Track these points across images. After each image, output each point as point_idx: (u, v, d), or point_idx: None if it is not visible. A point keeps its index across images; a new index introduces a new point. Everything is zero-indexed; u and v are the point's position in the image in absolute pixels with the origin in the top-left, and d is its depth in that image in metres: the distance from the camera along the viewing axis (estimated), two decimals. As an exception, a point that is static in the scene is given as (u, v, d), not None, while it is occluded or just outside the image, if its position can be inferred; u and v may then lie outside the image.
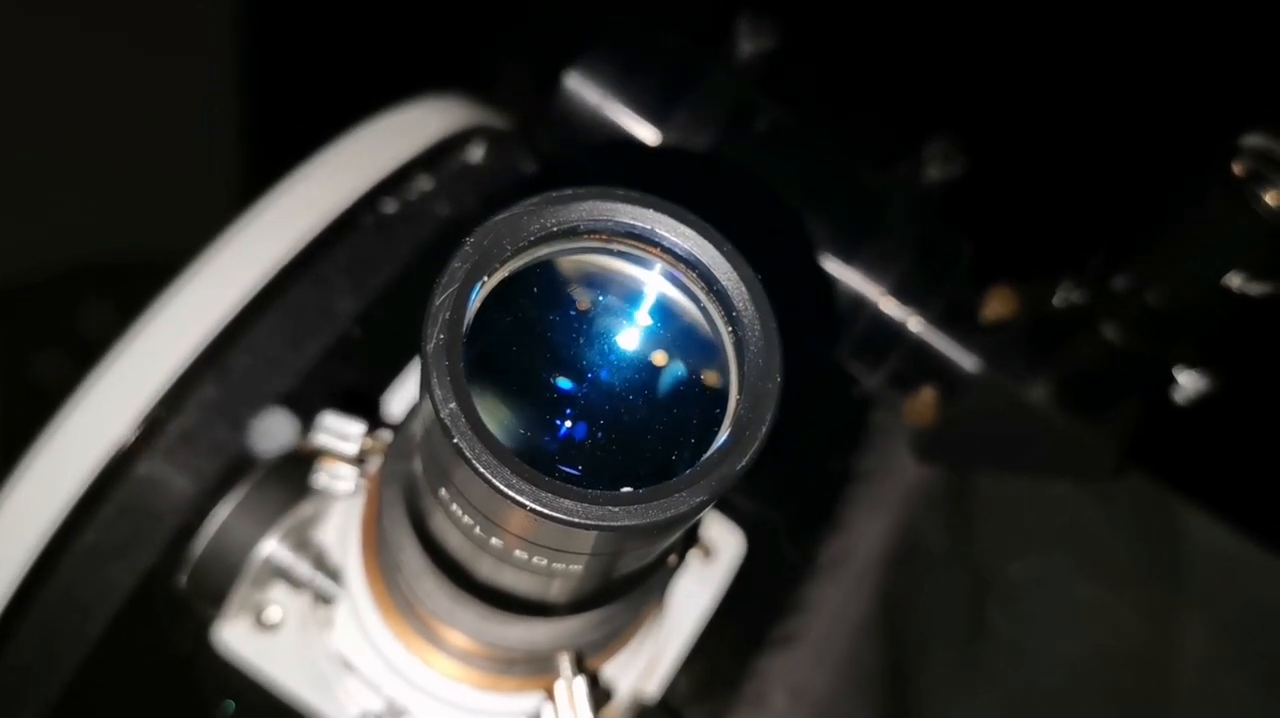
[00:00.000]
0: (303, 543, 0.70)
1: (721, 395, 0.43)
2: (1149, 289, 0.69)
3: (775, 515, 0.84)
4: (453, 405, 0.38)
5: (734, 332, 0.41)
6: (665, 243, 0.42)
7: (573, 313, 0.43)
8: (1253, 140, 0.65)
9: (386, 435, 0.60)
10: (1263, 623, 0.89)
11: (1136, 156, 1.21)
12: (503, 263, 0.41)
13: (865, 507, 0.85)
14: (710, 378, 0.43)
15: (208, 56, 1.82)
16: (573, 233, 0.41)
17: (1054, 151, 1.33)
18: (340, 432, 0.59)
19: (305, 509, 0.69)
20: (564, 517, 0.38)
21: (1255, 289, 0.66)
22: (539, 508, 0.37)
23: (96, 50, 1.71)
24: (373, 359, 0.80)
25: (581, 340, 0.43)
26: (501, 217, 0.40)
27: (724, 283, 0.41)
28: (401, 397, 0.75)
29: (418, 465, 0.48)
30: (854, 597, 0.81)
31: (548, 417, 0.42)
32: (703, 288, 0.42)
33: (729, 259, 0.41)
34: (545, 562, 0.43)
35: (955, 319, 0.79)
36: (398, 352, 0.81)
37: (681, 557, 0.58)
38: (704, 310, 0.42)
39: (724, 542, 0.78)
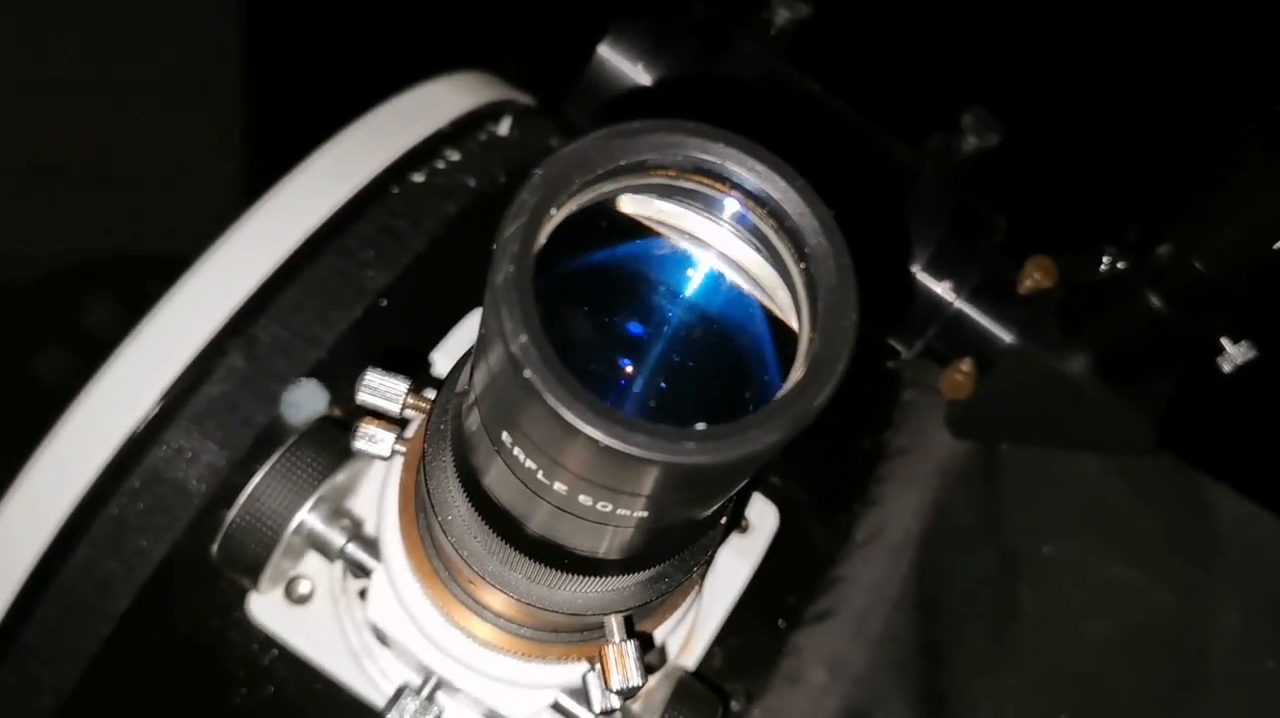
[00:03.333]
0: (337, 512, 0.69)
1: (791, 335, 0.42)
2: (1195, 255, 0.69)
3: (807, 492, 0.83)
4: (524, 338, 0.37)
5: (806, 268, 0.40)
6: (735, 178, 0.40)
7: (638, 250, 0.42)
8: (1301, 103, 0.65)
9: (430, 395, 0.59)
10: (1296, 603, 0.88)
11: (1172, 123, 1.20)
12: (570, 196, 0.40)
13: (899, 483, 0.84)
14: (780, 317, 0.42)
15: (211, 48, 1.81)
16: (640, 167, 0.40)
17: (1089, 120, 1.32)
18: (385, 390, 0.57)
19: (339, 478, 0.68)
20: (639, 452, 0.36)
21: (1306, 254, 0.65)
22: (613, 442, 0.36)
23: (98, 43, 1.70)
24: (401, 329, 0.79)
25: (647, 279, 0.42)
26: (570, 148, 0.39)
27: (796, 219, 0.40)
28: (446, 356, 0.74)
29: (474, 416, 0.47)
30: (890, 573, 0.80)
31: (613, 355, 0.41)
32: (773, 224, 0.41)
33: (802, 195, 0.40)
34: (609, 507, 0.42)
35: (992, 291, 0.78)
36: (426, 321, 0.80)
37: (730, 521, 0.57)
38: (774, 248, 0.41)
39: (759, 516, 0.77)
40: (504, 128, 0.90)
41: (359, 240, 0.80)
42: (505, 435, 0.42)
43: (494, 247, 0.39)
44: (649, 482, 0.39)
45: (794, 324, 0.43)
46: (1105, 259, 0.74)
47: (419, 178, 0.84)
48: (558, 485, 0.42)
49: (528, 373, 0.37)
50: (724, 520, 0.56)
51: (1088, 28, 1.40)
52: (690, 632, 0.74)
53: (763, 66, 0.79)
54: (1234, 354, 0.72)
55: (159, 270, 0.80)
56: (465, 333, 0.78)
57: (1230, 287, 0.69)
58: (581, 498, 0.42)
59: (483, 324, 0.42)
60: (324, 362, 0.77)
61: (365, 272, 0.79)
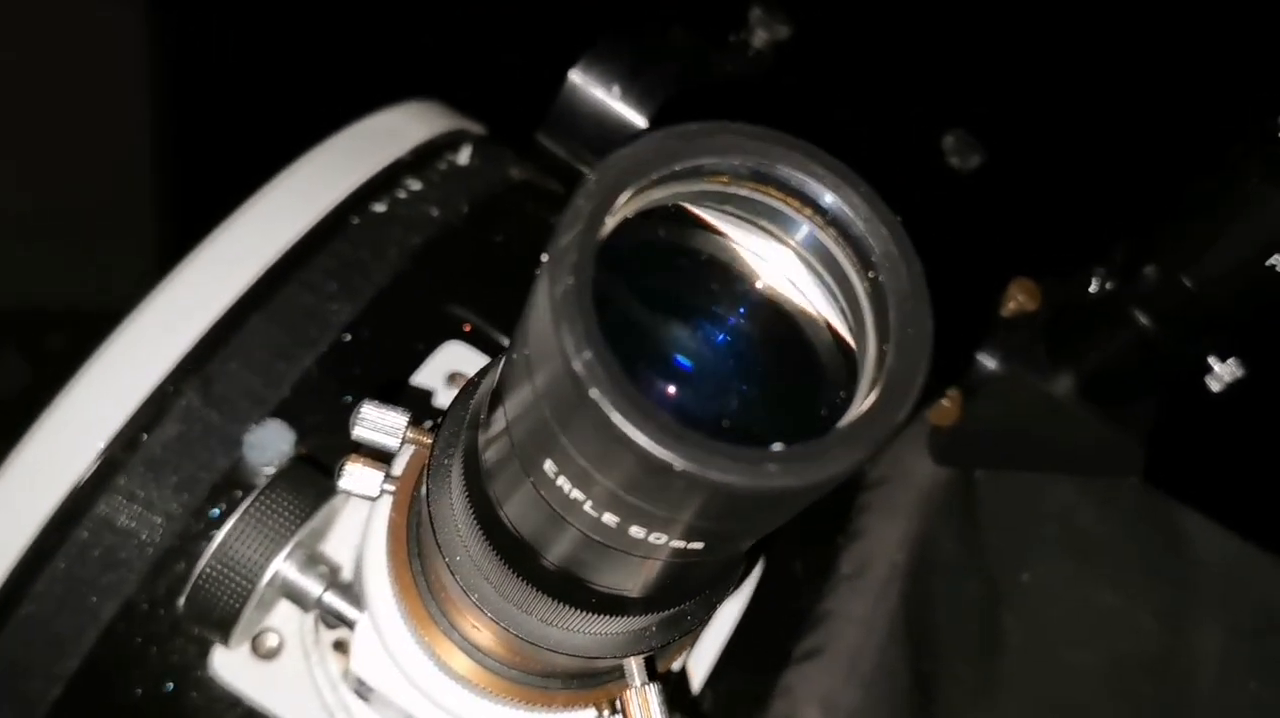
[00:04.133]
0: (312, 559, 0.64)
1: (851, 352, 0.39)
2: (1185, 274, 0.68)
3: (789, 527, 0.80)
4: (588, 355, 0.34)
5: (874, 278, 0.38)
6: (794, 183, 0.38)
7: (693, 260, 0.39)
8: (1288, 121, 0.65)
9: (428, 426, 0.55)
10: (1276, 626, 0.88)
11: (1157, 142, 1.21)
12: (626, 203, 0.37)
13: (881, 514, 0.82)
14: (841, 329, 0.40)
15: (122, 95, 1.74)
16: (696, 172, 0.38)
17: (1071, 141, 1.32)
18: (384, 424, 0.54)
19: (314, 523, 0.64)
20: (719, 476, 0.34)
21: (1298, 270, 0.65)
22: (691, 467, 0.33)
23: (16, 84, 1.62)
24: (367, 363, 0.76)
25: (703, 291, 0.39)
26: (624, 152, 0.37)
27: (862, 227, 0.38)
28: (432, 383, 0.71)
29: (498, 446, 0.44)
30: (878, 607, 0.78)
31: (675, 372, 0.38)
32: (834, 234, 0.39)
33: (867, 201, 0.38)
34: (663, 538, 0.39)
35: (976, 314, 0.77)
36: (393, 354, 0.76)
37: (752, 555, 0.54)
38: (835, 260, 0.39)
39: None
40: (464, 157, 0.87)
41: (321, 273, 0.76)
42: (548, 464, 0.39)
43: (544, 257, 0.36)
44: (718, 508, 0.37)
45: (847, 337, 0.40)
46: (1092, 280, 0.73)
47: (380, 208, 0.80)
48: (607, 517, 0.39)
49: (594, 393, 0.34)
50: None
51: (1071, 46, 1.41)
52: (680, 676, 0.71)
53: (740, 90, 0.77)
54: (1222, 373, 0.71)
55: (60, 324, 0.75)
56: (439, 364, 0.75)
57: (1220, 305, 0.69)
58: (633, 530, 0.39)
59: (518, 346, 0.39)
60: (287, 400, 0.73)
61: (329, 305, 0.75)
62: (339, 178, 0.80)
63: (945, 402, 0.78)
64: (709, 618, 0.53)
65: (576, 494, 0.39)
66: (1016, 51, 1.36)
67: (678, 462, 0.34)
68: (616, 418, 0.34)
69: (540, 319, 0.35)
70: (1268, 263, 0.65)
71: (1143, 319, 0.70)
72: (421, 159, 0.84)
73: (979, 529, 0.86)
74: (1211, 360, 0.71)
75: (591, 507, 0.39)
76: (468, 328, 0.78)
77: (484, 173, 0.87)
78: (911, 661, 0.78)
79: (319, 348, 0.74)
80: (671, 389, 0.38)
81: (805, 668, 0.75)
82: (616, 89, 0.75)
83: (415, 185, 0.83)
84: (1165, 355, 0.72)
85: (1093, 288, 0.73)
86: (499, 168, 0.88)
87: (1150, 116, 1.33)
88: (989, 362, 0.76)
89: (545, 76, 0.82)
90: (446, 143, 0.87)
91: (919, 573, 0.81)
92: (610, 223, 0.37)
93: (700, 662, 0.71)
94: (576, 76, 0.77)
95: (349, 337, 0.76)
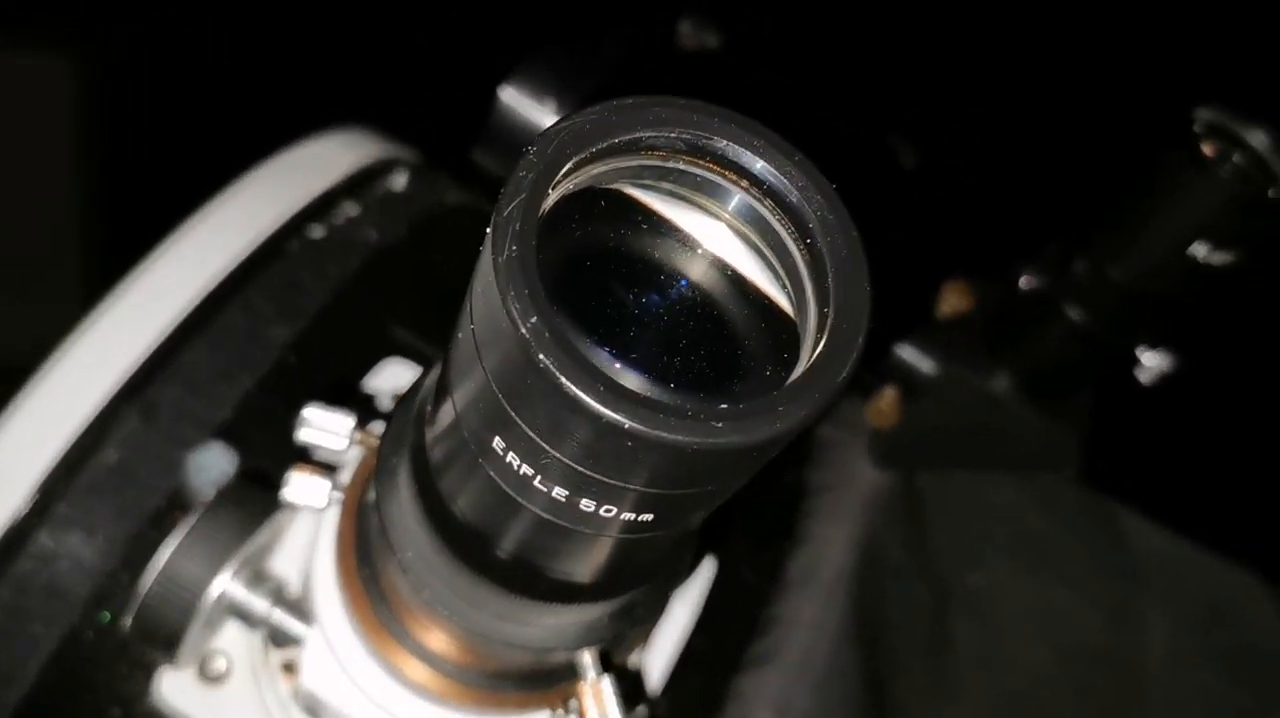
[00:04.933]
0: (258, 576, 0.64)
1: (791, 320, 0.40)
2: (1114, 267, 0.70)
3: (736, 533, 0.81)
4: (534, 320, 0.34)
5: (810, 244, 0.39)
6: (730, 154, 0.39)
7: (632, 233, 0.40)
8: (1206, 114, 0.67)
9: (377, 429, 0.55)
10: (1219, 617, 0.89)
11: (1082, 141, 1.24)
12: (566, 175, 0.37)
13: (825, 520, 0.83)
14: (779, 298, 0.40)
15: (50, 144, 1.72)
16: (635, 145, 0.38)
17: (997, 142, 1.34)
18: (330, 426, 0.54)
19: (259, 539, 0.63)
20: (667, 435, 0.34)
21: (1219, 259, 0.67)
22: (638, 426, 0.34)
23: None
24: (309, 384, 0.75)
25: (644, 262, 0.40)
26: (564, 123, 0.37)
27: (798, 194, 0.39)
28: (380, 387, 0.70)
29: (445, 436, 0.44)
30: (828, 611, 0.79)
31: (621, 339, 0.38)
32: (771, 205, 0.39)
33: (802, 169, 0.39)
34: (613, 509, 0.39)
35: (912, 317, 0.78)
36: (334, 375, 0.76)
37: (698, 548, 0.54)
38: (773, 228, 0.40)
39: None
40: (400, 182, 0.87)
41: (261, 295, 0.76)
42: (498, 442, 0.39)
43: (489, 229, 0.36)
44: (668, 471, 0.37)
45: (785, 305, 0.41)
46: (1023, 278, 0.75)
47: (319, 232, 0.80)
48: (557, 492, 0.39)
49: (542, 357, 0.34)
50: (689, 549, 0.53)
51: (996, 48, 1.43)
52: (635, 681, 0.71)
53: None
54: (1151, 365, 0.73)
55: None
56: (379, 382, 0.75)
57: (1147, 295, 0.71)
58: (584, 503, 0.39)
59: (463, 325, 0.39)
60: (229, 421, 0.72)
61: (269, 326, 0.75)
62: (275, 203, 0.80)
63: (884, 405, 0.79)
64: (660, 610, 0.53)
65: (527, 470, 0.39)
66: (943, 53, 1.38)
67: (627, 422, 0.34)
68: (565, 382, 0.34)
69: (486, 290, 0.36)
70: (1188, 251, 0.67)
71: (1074, 313, 0.72)
72: (358, 185, 0.85)
73: (925, 531, 0.87)
74: (1140, 353, 0.73)
75: (542, 481, 0.39)
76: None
77: (421, 197, 0.87)
78: (863, 662, 0.78)
79: (261, 369, 0.74)
80: (617, 356, 0.38)
81: (757, 673, 0.75)
82: (551, 103, 0.76)
83: (353, 210, 0.83)
84: (1098, 348, 0.73)
85: (1024, 285, 0.75)
86: (435, 192, 0.88)
87: (1072, 114, 1.36)
88: (926, 363, 0.78)
89: (473, 97, 0.83)
90: (382, 168, 0.87)
91: (866, 576, 0.81)
92: (553, 195, 0.38)
93: (654, 667, 0.71)
94: (507, 94, 0.77)
95: (291, 357, 0.75)
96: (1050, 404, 0.76)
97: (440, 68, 1.43)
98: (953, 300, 0.78)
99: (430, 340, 0.80)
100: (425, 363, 0.77)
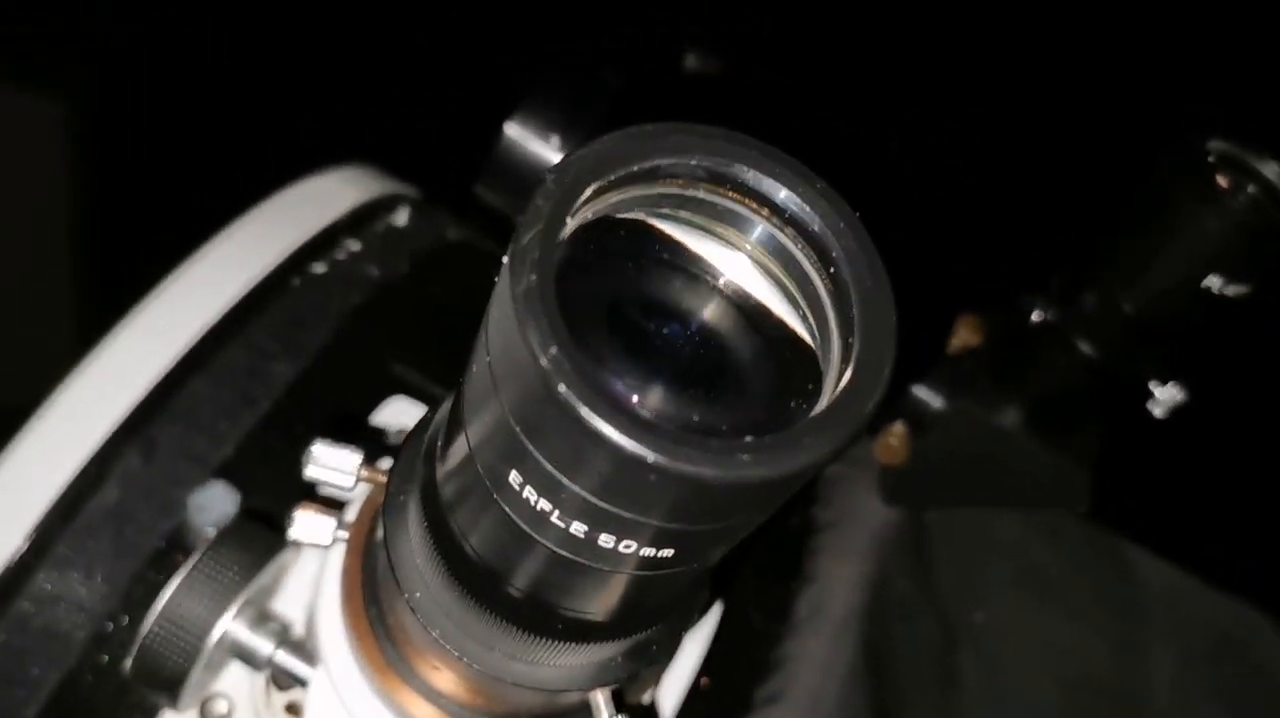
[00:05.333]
0: (262, 616, 0.63)
1: (811, 348, 0.40)
2: (1122, 298, 0.69)
3: (744, 571, 0.80)
4: (554, 351, 0.34)
5: (834, 274, 0.38)
6: (750, 182, 0.38)
7: (652, 263, 0.39)
8: (1219, 146, 0.67)
9: (384, 465, 0.54)
10: (1225, 652, 0.88)
11: (1088, 170, 1.23)
12: (584, 203, 0.37)
13: (833, 557, 0.82)
14: (800, 329, 0.40)
15: (46, 182, 1.72)
16: (653, 174, 0.38)
17: (1003, 173, 1.34)
18: (337, 463, 0.53)
19: (263, 579, 0.62)
20: (690, 468, 0.33)
21: (1232, 290, 0.67)
22: (662, 459, 0.33)
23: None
24: (310, 422, 0.74)
25: (664, 292, 0.39)
26: (580, 153, 0.37)
27: (821, 223, 0.38)
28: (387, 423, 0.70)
29: (457, 472, 0.43)
30: (837, 650, 0.78)
31: (634, 370, 0.38)
32: (793, 233, 0.39)
33: (825, 197, 0.38)
34: (632, 545, 0.38)
35: (922, 352, 0.78)
36: (338, 412, 0.75)
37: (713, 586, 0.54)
38: (795, 258, 0.39)
39: (703, 596, 0.74)
40: (402, 218, 0.87)
41: (263, 332, 0.75)
42: (514, 476, 0.38)
43: (505, 259, 0.36)
44: (689, 505, 0.36)
45: (806, 336, 0.40)
46: (1033, 310, 0.74)
47: (320, 268, 0.80)
48: (575, 527, 0.39)
49: (562, 388, 0.33)
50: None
51: (997, 75, 1.42)
52: (645, 722, 0.70)
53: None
54: (1164, 398, 0.73)
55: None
56: (384, 419, 0.74)
57: (1159, 327, 0.70)
58: (603, 539, 0.39)
59: (478, 357, 0.38)
60: (231, 459, 0.71)
61: (271, 363, 0.74)
62: (277, 239, 0.80)
63: (893, 440, 0.78)
64: (674, 649, 0.52)
65: (544, 505, 0.38)
66: (944, 84, 1.38)
67: (650, 455, 0.33)
68: (586, 412, 0.33)
69: (504, 320, 0.35)
70: (1203, 284, 0.67)
71: (1084, 345, 0.72)
72: (359, 221, 0.84)
73: (932, 568, 0.86)
74: (1153, 386, 0.73)
75: (560, 516, 0.38)
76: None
77: (422, 233, 0.87)
78: (872, 700, 0.77)
79: (263, 407, 0.73)
80: (637, 387, 0.37)
81: (767, 713, 0.74)
82: (555, 138, 0.76)
83: (354, 246, 0.82)
84: (1108, 380, 0.73)
85: (1034, 318, 0.74)
86: (437, 228, 0.88)
87: (1079, 143, 1.35)
88: (935, 399, 0.77)
89: (473, 132, 0.82)
90: (383, 205, 0.87)
91: (875, 614, 0.81)
92: (571, 224, 0.37)
93: (665, 706, 0.70)
94: (513, 129, 0.77)
95: (293, 394, 0.74)
96: (1059, 439, 0.75)
97: (440, 103, 1.43)
98: (964, 335, 0.78)
99: (432, 376, 0.79)
100: (428, 399, 0.77)
